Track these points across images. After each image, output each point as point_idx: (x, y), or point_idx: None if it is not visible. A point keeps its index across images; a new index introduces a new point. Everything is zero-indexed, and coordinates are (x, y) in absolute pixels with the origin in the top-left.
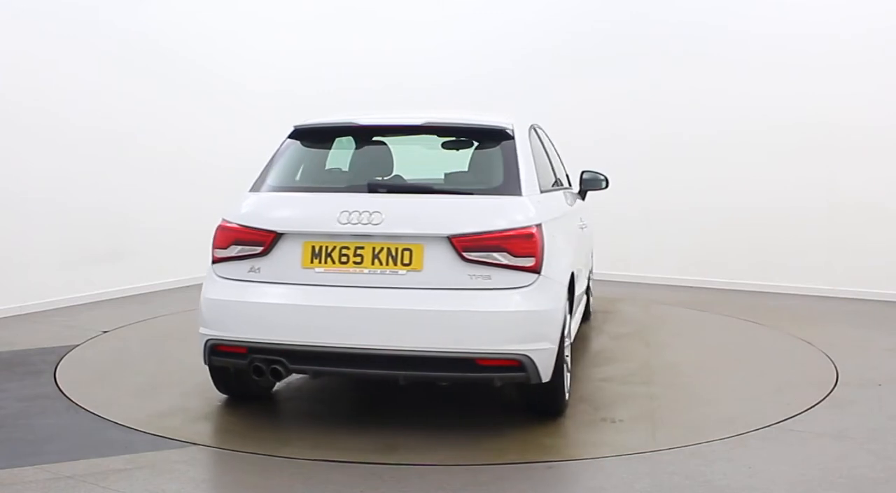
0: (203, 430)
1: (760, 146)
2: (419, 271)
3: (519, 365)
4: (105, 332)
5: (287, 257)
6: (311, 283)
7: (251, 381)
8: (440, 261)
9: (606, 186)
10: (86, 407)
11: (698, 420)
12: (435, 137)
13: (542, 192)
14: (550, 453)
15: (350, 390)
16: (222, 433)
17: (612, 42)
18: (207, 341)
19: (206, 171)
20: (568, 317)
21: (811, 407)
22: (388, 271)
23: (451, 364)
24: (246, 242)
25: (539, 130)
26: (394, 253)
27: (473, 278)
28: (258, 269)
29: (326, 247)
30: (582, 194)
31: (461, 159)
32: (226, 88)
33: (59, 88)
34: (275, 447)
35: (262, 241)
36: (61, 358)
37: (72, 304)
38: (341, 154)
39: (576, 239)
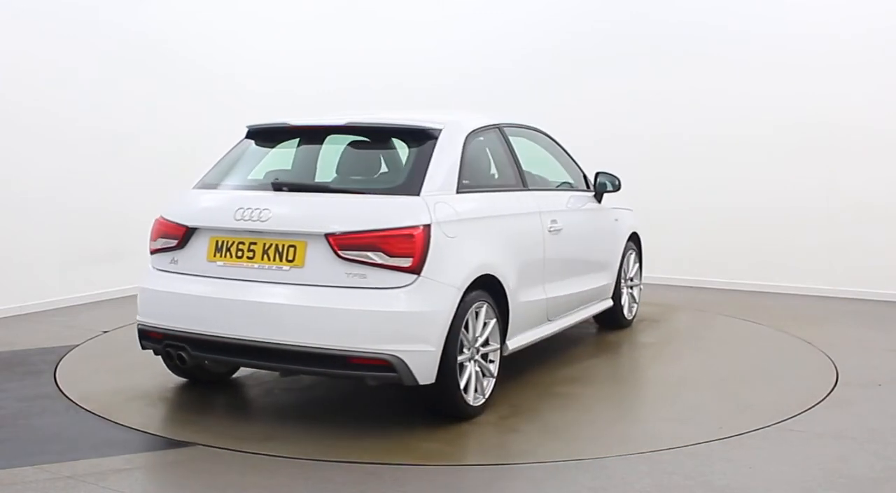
0: (203, 430)
1: (760, 146)
2: (301, 267)
3: (389, 366)
4: (105, 332)
5: (197, 250)
6: (212, 275)
7: (202, 366)
8: (320, 258)
9: (617, 188)
10: (86, 407)
11: (678, 424)
12: (369, 137)
13: (462, 192)
14: (416, 456)
15: (350, 390)
16: (222, 432)
17: (612, 42)
18: (138, 326)
19: (207, 171)
20: (482, 322)
21: (811, 407)
22: (274, 267)
23: (324, 361)
24: (167, 236)
25: (506, 130)
26: (280, 249)
27: (350, 276)
28: (176, 261)
29: (227, 242)
30: (597, 197)
31: (394, 160)
32: (226, 88)
33: (59, 87)
34: (275, 446)
35: (177, 234)
36: (61, 358)
37: (72, 304)
38: (277, 154)
39: (539, 241)
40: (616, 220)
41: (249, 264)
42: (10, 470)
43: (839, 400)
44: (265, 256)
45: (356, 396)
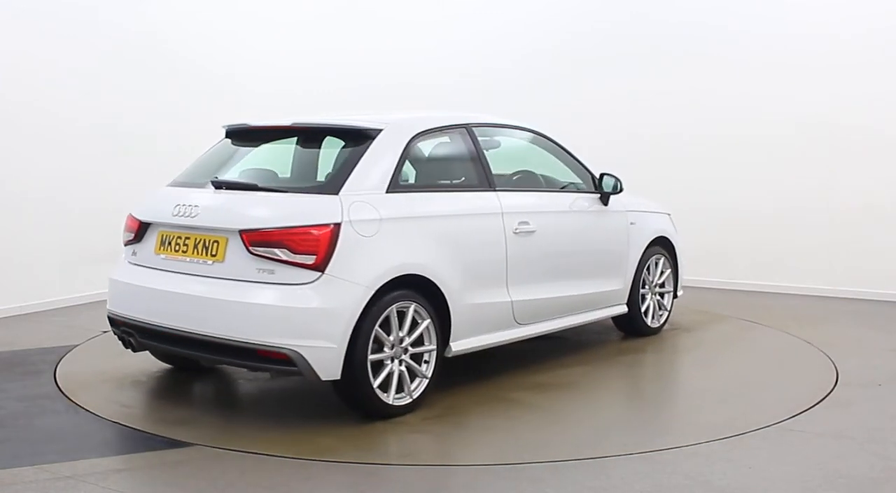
0: (203, 430)
1: (760, 146)
2: (222, 262)
3: (289, 360)
4: (105, 332)
5: (149, 243)
6: (157, 267)
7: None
8: (237, 254)
9: (618, 190)
10: (86, 407)
11: (684, 423)
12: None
13: (397, 192)
14: (313, 452)
15: None
16: (222, 432)
17: (611, 42)
18: (107, 313)
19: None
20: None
21: (811, 407)
22: (200, 261)
23: (239, 352)
24: (129, 229)
25: (477, 131)
26: (207, 244)
27: (260, 271)
28: (136, 253)
29: (169, 236)
30: (603, 199)
31: (332, 160)
32: (226, 88)
33: (59, 87)
34: (275, 446)
35: (134, 228)
36: (61, 358)
37: (72, 304)
38: (244, 153)
39: (498, 243)
40: (632, 223)
41: (183, 258)
42: (10, 470)
43: (839, 400)
44: (195, 250)
45: None
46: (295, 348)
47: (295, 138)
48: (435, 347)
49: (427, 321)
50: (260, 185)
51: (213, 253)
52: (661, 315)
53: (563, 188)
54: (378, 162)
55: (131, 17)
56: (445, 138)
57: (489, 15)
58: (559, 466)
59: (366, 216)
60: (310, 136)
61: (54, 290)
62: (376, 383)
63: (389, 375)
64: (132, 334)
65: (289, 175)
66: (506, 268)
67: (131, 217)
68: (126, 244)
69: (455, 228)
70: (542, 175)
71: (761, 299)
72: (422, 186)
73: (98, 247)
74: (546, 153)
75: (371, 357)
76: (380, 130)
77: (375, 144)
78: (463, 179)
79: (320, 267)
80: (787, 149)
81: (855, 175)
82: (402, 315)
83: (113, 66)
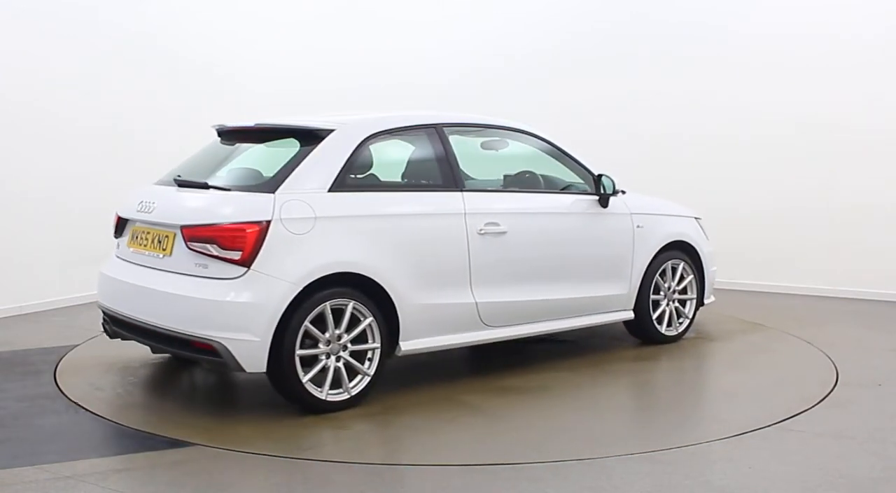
0: (203, 430)
1: (760, 147)
2: (170, 256)
3: (214, 351)
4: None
5: (125, 237)
6: (128, 260)
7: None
8: (180, 248)
9: (615, 192)
10: (86, 407)
11: (684, 423)
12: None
13: (342, 191)
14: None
15: None
16: (222, 432)
17: (611, 42)
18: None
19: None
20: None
21: (811, 407)
22: (154, 254)
23: (177, 342)
24: (115, 225)
25: (447, 130)
26: (161, 239)
27: (197, 266)
28: (119, 246)
29: (137, 231)
30: (602, 201)
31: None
32: (226, 88)
33: (59, 87)
34: (275, 446)
35: (116, 223)
36: (61, 358)
37: (72, 304)
38: (221, 152)
39: (458, 243)
40: (639, 226)
41: (144, 251)
42: (10, 470)
43: (839, 400)
44: (152, 244)
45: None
46: (220, 340)
47: (261, 138)
48: (378, 345)
49: (369, 319)
50: (209, 183)
51: (164, 247)
52: (681, 323)
53: (562, 190)
54: (323, 162)
55: (131, 17)
56: (408, 139)
57: (489, 15)
58: (559, 465)
59: (299, 215)
60: (271, 136)
61: (54, 290)
62: (306, 378)
63: (325, 370)
64: (107, 321)
65: (232, 173)
66: (468, 269)
67: (116, 213)
68: (116, 239)
69: (405, 228)
70: (541, 176)
71: (761, 299)
72: (373, 185)
73: (98, 247)
74: (542, 154)
75: (301, 352)
76: (331, 131)
77: (323, 145)
78: (425, 179)
79: (247, 263)
80: (787, 149)
81: (855, 175)
82: (340, 312)
83: (113, 66)
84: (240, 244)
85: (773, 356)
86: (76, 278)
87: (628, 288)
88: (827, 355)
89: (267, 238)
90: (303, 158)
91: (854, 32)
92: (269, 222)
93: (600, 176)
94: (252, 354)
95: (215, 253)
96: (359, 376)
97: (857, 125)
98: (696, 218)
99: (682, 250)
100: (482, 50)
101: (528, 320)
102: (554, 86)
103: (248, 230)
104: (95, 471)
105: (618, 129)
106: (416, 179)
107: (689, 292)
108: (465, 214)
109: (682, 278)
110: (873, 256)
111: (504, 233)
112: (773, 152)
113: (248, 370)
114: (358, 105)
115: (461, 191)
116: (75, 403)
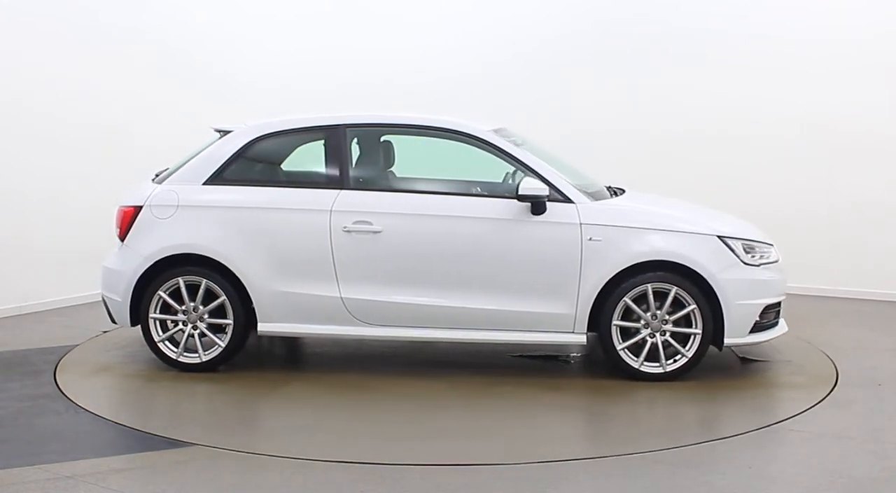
0: (203, 430)
1: (761, 147)
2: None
3: (106, 306)
4: (105, 332)
5: None
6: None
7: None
8: None
9: (540, 197)
10: (86, 407)
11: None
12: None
13: (215, 184)
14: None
15: (347, 390)
16: (222, 432)
17: (612, 42)
18: None
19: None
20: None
21: (811, 407)
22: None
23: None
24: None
25: (348, 132)
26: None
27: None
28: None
29: None
30: (533, 209)
31: None
32: (226, 87)
33: (58, 87)
34: (275, 446)
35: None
36: (61, 358)
37: (72, 304)
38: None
39: (320, 238)
40: (592, 239)
41: None
42: (10, 470)
43: (839, 400)
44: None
45: (353, 396)
46: (105, 297)
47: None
48: (232, 321)
49: (223, 298)
50: (154, 177)
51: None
52: (675, 361)
53: (489, 194)
54: (209, 158)
55: (132, 16)
56: (306, 139)
57: (489, 14)
58: (559, 466)
59: (165, 202)
60: (221, 136)
61: (54, 290)
62: (161, 338)
63: (183, 334)
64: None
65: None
66: (332, 264)
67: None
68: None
69: (262, 219)
70: (457, 180)
71: None
72: (251, 181)
73: (98, 247)
74: (471, 155)
75: (155, 315)
76: (229, 131)
77: (218, 142)
78: (308, 177)
79: (122, 238)
80: (788, 150)
81: (855, 176)
82: (195, 288)
83: (113, 64)
84: (120, 223)
85: (773, 356)
86: (76, 277)
87: (573, 308)
88: (827, 355)
89: (137, 220)
90: (196, 154)
91: (855, 34)
92: (139, 207)
93: (520, 180)
94: (118, 310)
95: (115, 230)
96: (214, 347)
97: (857, 125)
98: (720, 236)
99: (675, 272)
100: (482, 49)
101: (417, 323)
102: (554, 85)
103: (125, 212)
104: (95, 471)
105: (617, 129)
106: (298, 177)
107: (692, 326)
108: (330, 211)
109: (679, 307)
110: (873, 256)
111: (378, 232)
112: (773, 152)
113: (115, 323)
114: (358, 104)
115: (340, 189)
116: (75, 403)
